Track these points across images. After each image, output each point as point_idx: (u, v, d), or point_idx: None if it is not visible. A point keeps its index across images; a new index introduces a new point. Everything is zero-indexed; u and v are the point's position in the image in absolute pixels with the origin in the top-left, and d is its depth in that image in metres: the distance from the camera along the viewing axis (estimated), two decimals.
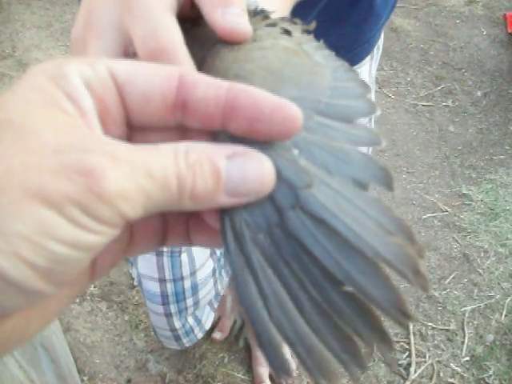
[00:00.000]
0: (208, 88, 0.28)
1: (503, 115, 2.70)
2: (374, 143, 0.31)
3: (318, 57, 0.37)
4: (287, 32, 0.38)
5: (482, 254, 2.13)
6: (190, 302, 1.22)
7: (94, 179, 0.23)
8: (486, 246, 2.15)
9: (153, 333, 1.35)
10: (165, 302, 1.20)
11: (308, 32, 0.41)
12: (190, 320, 1.31)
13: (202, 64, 0.33)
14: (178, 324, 1.27)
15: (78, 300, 1.90)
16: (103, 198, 0.23)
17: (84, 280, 0.31)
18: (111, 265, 0.33)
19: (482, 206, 2.30)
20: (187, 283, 1.17)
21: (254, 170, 0.27)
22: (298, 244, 0.28)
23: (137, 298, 1.92)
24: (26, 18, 3.10)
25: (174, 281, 1.14)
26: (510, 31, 3.13)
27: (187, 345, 1.39)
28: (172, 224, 0.34)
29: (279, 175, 0.28)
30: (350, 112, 0.32)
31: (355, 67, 0.92)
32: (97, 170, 0.23)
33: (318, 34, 0.85)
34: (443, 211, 2.26)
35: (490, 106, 2.75)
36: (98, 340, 1.82)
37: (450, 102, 2.75)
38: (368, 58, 0.95)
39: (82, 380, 1.70)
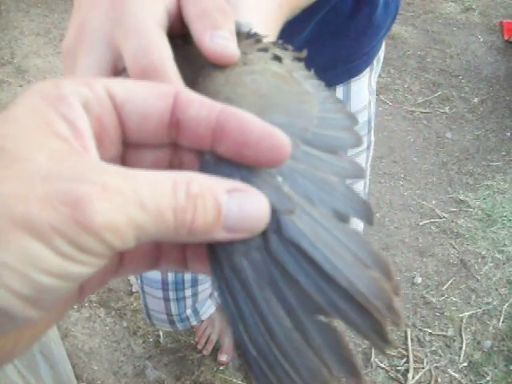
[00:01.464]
0: (201, 108, 0.28)
1: (500, 122, 2.72)
2: (357, 176, 0.32)
3: (308, 85, 0.37)
4: (278, 58, 0.37)
5: (480, 260, 2.13)
6: (188, 292, 1.23)
7: (80, 210, 0.22)
8: (484, 252, 2.15)
9: (147, 320, 1.34)
10: (165, 288, 1.21)
11: (299, 60, 0.41)
12: (188, 311, 1.31)
13: (192, 84, 0.33)
14: (174, 310, 1.28)
15: (76, 306, 1.90)
16: (89, 230, 0.23)
17: (72, 300, 0.31)
18: (100, 285, 0.32)
19: (480, 212, 2.30)
20: (187, 275, 1.18)
21: (252, 208, 0.27)
22: (278, 268, 0.27)
23: (135, 304, 1.92)
24: (24, 24, 3.11)
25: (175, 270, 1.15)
26: (506, 38, 3.15)
27: (180, 328, 1.39)
28: (166, 250, 0.33)
29: None
30: (335, 143, 0.33)
31: (353, 79, 0.91)
32: (83, 201, 0.23)
33: (315, 47, 0.85)
34: (441, 217, 2.27)
35: (486, 113, 2.76)
36: (96, 346, 1.82)
37: (447, 109, 2.76)
38: (367, 70, 0.94)
39: None
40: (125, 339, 1.84)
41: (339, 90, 0.91)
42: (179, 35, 0.37)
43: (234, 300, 0.28)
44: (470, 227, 2.24)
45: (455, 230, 2.22)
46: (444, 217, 2.27)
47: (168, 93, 0.28)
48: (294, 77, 0.37)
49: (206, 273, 0.34)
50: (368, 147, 1.06)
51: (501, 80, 2.94)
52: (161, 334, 1.85)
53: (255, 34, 0.40)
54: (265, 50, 0.38)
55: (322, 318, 0.27)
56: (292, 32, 0.77)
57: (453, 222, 2.26)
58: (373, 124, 1.03)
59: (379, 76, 1.07)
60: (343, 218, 0.29)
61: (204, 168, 0.29)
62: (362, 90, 0.94)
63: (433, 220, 2.26)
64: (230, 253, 0.28)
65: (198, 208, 0.25)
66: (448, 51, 3.11)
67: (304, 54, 0.41)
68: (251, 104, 0.32)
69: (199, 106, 0.28)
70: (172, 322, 1.33)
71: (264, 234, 0.28)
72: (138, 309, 1.91)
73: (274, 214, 0.28)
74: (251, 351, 0.27)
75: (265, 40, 0.40)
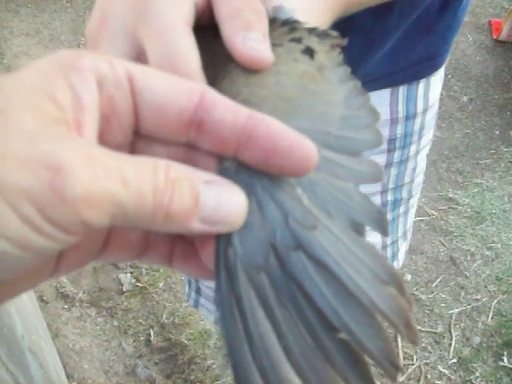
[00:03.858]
0: (227, 112, 0.27)
1: (489, 120, 2.73)
2: (376, 179, 0.31)
3: (334, 79, 0.35)
4: (310, 51, 0.36)
5: (469, 258, 2.14)
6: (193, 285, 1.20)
7: (60, 175, 0.21)
8: (473, 250, 2.17)
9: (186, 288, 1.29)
10: None
11: (339, 47, 0.39)
12: (193, 294, 1.27)
13: (213, 82, 0.32)
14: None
15: (66, 306, 1.90)
16: (64, 199, 0.21)
17: (44, 273, 0.29)
18: (78, 265, 0.31)
19: (469, 209, 2.32)
20: None
21: (229, 201, 0.26)
22: (296, 286, 0.27)
23: (126, 303, 1.92)
24: (14, 25, 3.10)
25: None
26: (495, 37, 3.17)
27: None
28: (154, 242, 0.32)
29: (284, 213, 0.28)
30: (356, 145, 0.32)
31: (432, 76, 0.90)
32: (65, 166, 0.21)
33: (407, 44, 0.84)
34: (430, 215, 2.28)
35: (475, 111, 2.78)
36: (86, 346, 1.82)
37: None
38: (444, 64, 0.93)
39: None
40: (115, 338, 1.84)
41: (421, 85, 0.90)
42: (208, 24, 0.35)
43: (243, 317, 0.27)
44: (459, 224, 2.25)
45: (444, 228, 2.24)
46: (433, 214, 2.28)
47: (194, 91, 0.27)
48: (322, 75, 0.35)
49: (190, 274, 0.33)
50: (431, 139, 1.06)
51: (489, 79, 2.95)
52: (151, 332, 1.85)
53: (293, 22, 0.38)
54: (298, 40, 0.36)
55: (341, 336, 0.26)
56: (394, 29, 0.77)
57: (442, 219, 2.27)
58: (437, 115, 1.03)
59: None
60: (359, 229, 0.29)
61: (223, 174, 0.28)
62: (438, 81, 0.94)
63: (422, 218, 2.27)
64: (249, 268, 0.27)
65: (176, 191, 0.25)
66: None
67: (345, 41, 0.39)
68: (272, 107, 0.31)
69: (225, 110, 0.27)
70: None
71: (278, 251, 0.27)
72: (128, 308, 1.91)
73: (296, 230, 0.27)
74: (253, 372, 0.26)
75: (301, 27, 0.37)
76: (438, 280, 2.06)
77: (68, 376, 1.70)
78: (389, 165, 0.97)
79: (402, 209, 1.09)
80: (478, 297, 2.02)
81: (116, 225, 0.24)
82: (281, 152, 0.27)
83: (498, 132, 2.67)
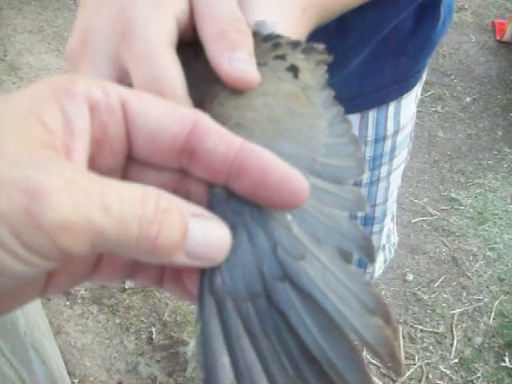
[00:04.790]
0: (220, 141, 0.26)
1: (492, 121, 2.73)
2: (360, 208, 0.31)
3: (319, 103, 0.35)
4: (294, 69, 0.36)
5: (471, 258, 2.14)
6: None
7: (36, 200, 0.20)
8: (475, 250, 2.17)
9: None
10: None
11: (325, 63, 0.39)
12: None
13: (200, 105, 0.32)
14: None
15: (68, 303, 1.90)
16: (40, 226, 0.20)
17: (33, 293, 0.29)
18: (70, 286, 0.30)
19: (471, 210, 2.32)
20: None
21: (215, 236, 0.26)
22: (281, 317, 0.27)
23: (127, 301, 1.92)
24: (17, 22, 3.10)
25: None
26: (498, 38, 3.16)
27: None
28: (145, 264, 0.32)
29: (272, 242, 0.28)
30: (341, 173, 0.32)
31: (405, 96, 0.89)
32: (42, 192, 0.21)
33: (375, 66, 0.81)
34: (432, 215, 2.28)
35: (478, 112, 2.78)
36: (88, 343, 1.82)
37: (439, 108, 2.77)
38: (417, 85, 0.92)
39: (73, 382, 1.69)
40: (117, 336, 1.84)
41: (391, 108, 0.89)
42: (190, 41, 0.35)
43: (229, 345, 0.26)
44: (462, 225, 2.25)
45: (447, 228, 2.24)
46: (436, 215, 2.28)
47: (187, 118, 0.27)
48: (307, 95, 0.35)
49: (181, 297, 0.33)
50: (406, 158, 1.05)
51: (493, 79, 2.95)
52: (153, 330, 1.85)
53: (275, 37, 0.38)
54: (282, 57, 0.36)
55: (323, 367, 0.26)
56: (352, 51, 0.75)
57: (444, 219, 2.27)
58: (413, 134, 1.02)
59: None
60: (347, 256, 0.29)
61: (213, 201, 0.28)
62: (411, 102, 0.92)
63: (425, 218, 2.27)
64: (235, 296, 0.27)
65: (164, 223, 0.24)
66: (440, 51, 3.12)
67: (331, 58, 0.39)
68: (262, 131, 0.31)
69: (218, 139, 0.27)
70: None
71: (265, 281, 0.27)
72: (130, 306, 1.91)
73: (281, 259, 0.27)
74: None
75: (284, 42, 0.37)
76: (440, 280, 2.06)
77: (69, 373, 1.70)
78: (357, 186, 0.96)
79: (376, 227, 1.09)
80: (480, 297, 2.02)
81: (98, 252, 0.23)
82: (270, 185, 0.26)
83: (500, 133, 2.67)
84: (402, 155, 1.00)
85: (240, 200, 0.28)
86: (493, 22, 3.27)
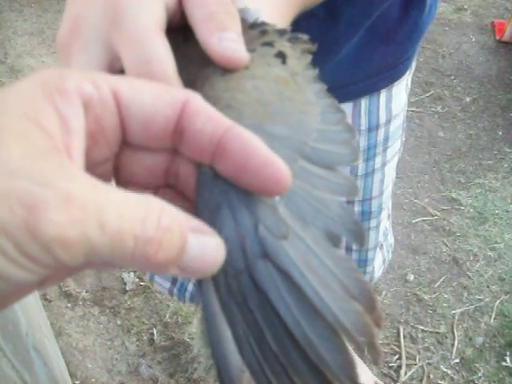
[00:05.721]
0: (208, 122, 0.27)
1: (492, 121, 2.73)
2: (351, 192, 0.31)
3: (310, 92, 0.36)
4: (282, 56, 0.36)
5: (472, 258, 2.14)
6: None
7: (34, 216, 0.21)
8: (476, 250, 2.17)
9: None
10: None
11: (309, 52, 0.39)
12: (190, 286, 1.28)
13: (191, 88, 0.32)
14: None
15: (69, 305, 1.90)
16: (38, 239, 0.21)
17: (30, 287, 0.29)
18: (68, 276, 0.31)
19: (471, 210, 2.32)
20: None
21: (211, 252, 0.26)
22: (263, 294, 0.27)
23: (129, 302, 1.92)
24: (18, 24, 3.11)
25: None
26: (498, 38, 3.17)
27: (175, 294, 1.31)
28: None
29: (255, 220, 0.28)
30: (333, 159, 0.32)
31: (395, 84, 0.90)
32: (40, 207, 0.21)
33: (365, 53, 0.84)
34: (433, 215, 2.28)
35: (478, 112, 2.78)
36: (90, 344, 1.82)
37: (439, 108, 2.78)
38: (407, 73, 0.93)
39: None
40: (119, 337, 1.84)
41: (382, 96, 0.90)
42: (178, 27, 0.36)
43: (230, 321, 0.27)
44: (462, 225, 2.25)
45: (447, 228, 2.24)
46: (436, 215, 2.28)
47: (177, 99, 0.27)
48: (296, 82, 0.35)
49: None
50: (399, 149, 1.06)
51: (492, 79, 2.95)
52: (154, 331, 1.85)
53: (261, 24, 0.38)
54: (270, 44, 0.37)
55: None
56: (343, 38, 0.77)
57: (445, 219, 2.27)
58: (405, 125, 1.02)
59: None
60: (335, 239, 0.29)
61: (201, 180, 0.29)
62: (401, 91, 0.94)
63: (425, 218, 2.27)
64: (225, 273, 0.27)
65: (164, 242, 0.24)
66: (440, 51, 3.12)
67: (315, 47, 0.40)
68: (252, 112, 0.32)
69: (206, 120, 0.27)
70: (174, 281, 1.27)
71: (247, 259, 0.27)
72: (131, 307, 1.91)
73: (262, 238, 0.27)
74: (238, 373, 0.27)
75: (271, 29, 0.38)
76: (441, 280, 2.06)
77: (71, 375, 1.70)
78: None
79: (372, 222, 1.09)
80: (481, 297, 2.02)
81: (92, 262, 0.24)
82: (252, 169, 0.27)
83: (500, 132, 2.67)
84: (396, 146, 1.01)
85: (226, 181, 0.28)
86: (492, 22, 3.27)
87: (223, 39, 0.33)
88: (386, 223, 1.18)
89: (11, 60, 2.88)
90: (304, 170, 0.30)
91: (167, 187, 0.32)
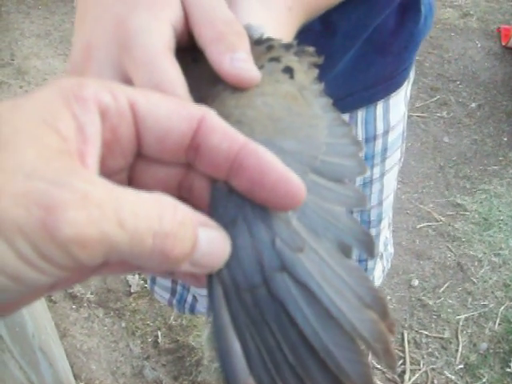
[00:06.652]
0: (224, 139, 0.27)
1: (497, 126, 2.73)
2: (360, 204, 0.32)
3: (317, 106, 0.36)
4: (290, 71, 0.37)
5: (476, 264, 2.14)
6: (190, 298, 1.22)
7: (52, 216, 0.21)
8: (480, 256, 2.17)
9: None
10: None
11: (316, 65, 0.40)
12: (190, 297, 1.28)
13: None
14: (179, 287, 1.24)
15: (74, 306, 1.91)
16: (55, 240, 0.21)
17: (42, 290, 0.29)
18: (78, 280, 0.31)
19: (476, 215, 2.32)
20: None
21: (219, 246, 0.27)
22: (280, 307, 0.27)
23: (133, 304, 1.93)
24: (25, 26, 3.12)
25: None
26: (503, 44, 3.17)
27: (174, 305, 1.30)
28: None
29: (271, 234, 0.28)
30: (341, 171, 0.32)
31: (393, 95, 0.90)
32: (58, 207, 0.21)
33: (361, 65, 0.84)
34: (438, 221, 2.28)
35: (484, 118, 2.78)
36: (94, 346, 1.82)
37: (444, 114, 2.78)
38: (405, 84, 0.92)
39: None
40: (123, 339, 1.85)
41: (379, 107, 0.90)
42: (187, 47, 0.37)
43: (240, 334, 0.27)
44: (467, 230, 2.25)
45: (452, 234, 2.24)
46: (441, 220, 2.28)
47: (193, 115, 0.28)
48: (304, 96, 0.36)
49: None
50: (400, 159, 1.06)
51: (498, 85, 2.96)
52: (159, 334, 1.86)
53: (267, 39, 0.39)
54: (277, 59, 0.37)
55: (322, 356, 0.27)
56: (340, 51, 0.77)
57: (450, 225, 2.27)
58: (405, 134, 1.02)
59: None
60: (346, 250, 0.29)
61: (215, 195, 0.29)
62: (399, 102, 0.93)
63: (430, 223, 2.27)
64: (237, 287, 0.28)
65: (179, 236, 0.24)
66: (446, 56, 3.12)
67: (321, 60, 0.40)
68: (263, 128, 0.32)
69: (222, 136, 0.27)
70: (173, 292, 1.27)
71: (264, 272, 0.28)
72: (136, 309, 1.91)
73: (280, 251, 0.28)
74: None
75: (277, 44, 0.38)
76: (446, 285, 2.06)
77: (75, 376, 1.71)
78: None
79: (372, 232, 1.09)
80: (486, 303, 2.02)
81: (111, 260, 0.24)
82: (267, 185, 0.27)
83: (506, 138, 2.67)
84: (395, 156, 1.01)
85: (241, 194, 0.28)
86: (498, 28, 3.28)
87: (235, 60, 0.34)
88: (386, 233, 1.18)
89: (18, 62, 2.89)
90: (314, 184, 0.31)
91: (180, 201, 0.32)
